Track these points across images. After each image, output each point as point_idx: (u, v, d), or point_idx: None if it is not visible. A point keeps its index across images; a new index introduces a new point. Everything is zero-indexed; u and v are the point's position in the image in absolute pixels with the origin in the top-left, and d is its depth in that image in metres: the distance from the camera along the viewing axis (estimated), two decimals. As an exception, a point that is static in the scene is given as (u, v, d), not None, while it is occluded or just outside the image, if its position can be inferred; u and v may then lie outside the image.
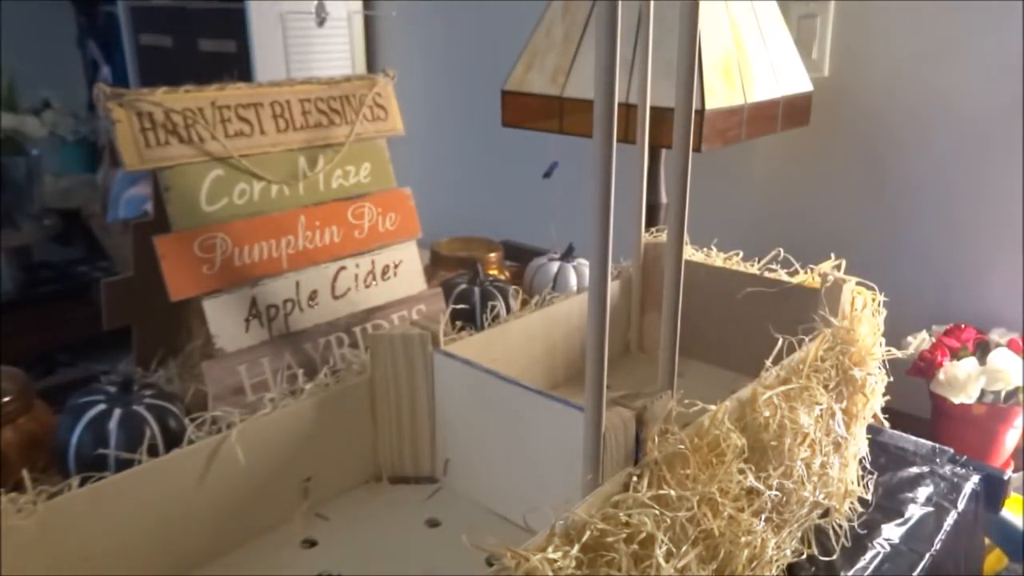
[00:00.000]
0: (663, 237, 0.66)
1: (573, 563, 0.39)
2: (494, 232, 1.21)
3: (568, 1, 1.11)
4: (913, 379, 1.54)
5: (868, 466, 0.71)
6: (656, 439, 0.48)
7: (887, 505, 0.70)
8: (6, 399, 0.61)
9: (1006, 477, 0.76)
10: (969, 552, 0.75)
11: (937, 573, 0.65)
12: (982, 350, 1.53)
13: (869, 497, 0.68)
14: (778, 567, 0.56)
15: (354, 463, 0.66)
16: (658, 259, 0.85)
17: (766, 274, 0.79)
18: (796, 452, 0.56)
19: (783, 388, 0.56)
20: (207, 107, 0.65)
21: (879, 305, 0.70)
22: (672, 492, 0.45)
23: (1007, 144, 1.37)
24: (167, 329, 0.72)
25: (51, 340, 1.87)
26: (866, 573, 0.62)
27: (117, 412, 0.57)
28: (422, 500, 0.65)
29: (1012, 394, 1.49)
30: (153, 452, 0.55)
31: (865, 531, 0.66)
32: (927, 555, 0.65)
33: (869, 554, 0.64)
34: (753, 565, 0.50)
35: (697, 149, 0.99)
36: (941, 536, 0.67)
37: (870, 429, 0.73)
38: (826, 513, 0.64)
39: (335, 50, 1.70)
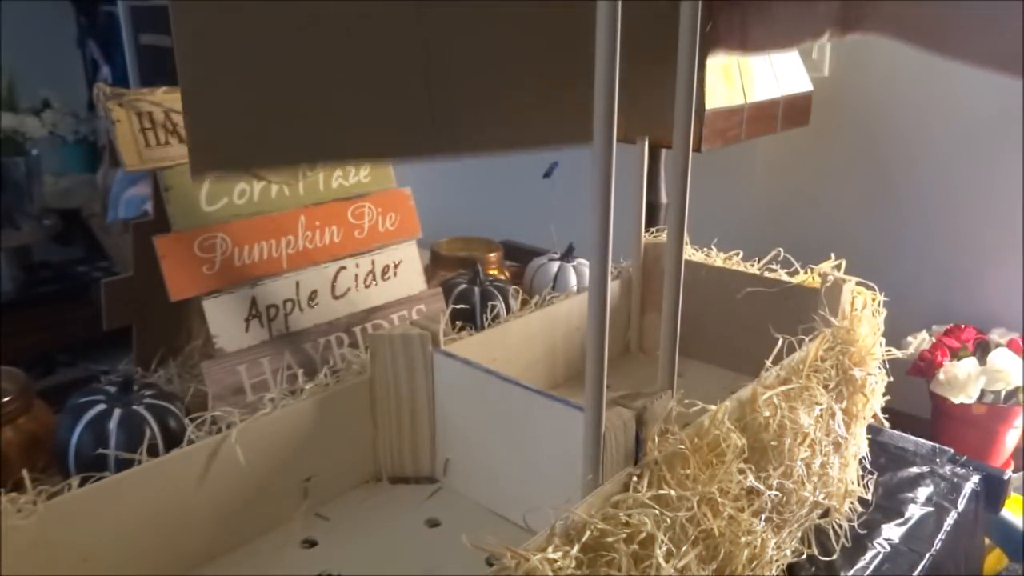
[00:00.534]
0: (663, 237, 0.65)
1: (573, 563, 0.39)
2: (494, 232, 1.21)
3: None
4: (913, 379, 1.54)
5: (868, 466, 0.71)
6: (656, 439, 0.48)
7: (887, 505, 0.70)
8: (6, 399, 0.61)
9: (1006, 477, 0.76)
10: (969, 552, 0.75)
11: (937, 573, 0.65)
12: (982, 350, 1.54)
13: (869, 497, 0.68)
14: (778, 567, 0.56)
15: (354, 463, 0.66)
16: (658, 259, 0.85)
17: (766, 274, 0.79)
18: (796, 452, 0.56)
19: (783, 388, 0.56)
20: (207, 107, 0.65)
21: (879, 305, 0.70)
22: (672, 492, 0.45)
23: (1007, 144, 1.37)
24: (167, 329, 0.72)
25: (51, 340, 1.87)
26: (866, 573, 0.62)
27: (117, 412, 0.57)
28: (422, 500, 0.65)
29: (1012, 394, 1.49)
30: (153, 452, 0.55)
31: (865, 531, 0.66)
32: (927, 555, 0.65)
33: (869, 554, 0.64)
34: (753, 565, 0.50)
35: (697, 149, 0.99)
36: (941, 536, 0.67)
37: (870, 429, 0.73)
38: (826, 513, 0.64)
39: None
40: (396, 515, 0.64)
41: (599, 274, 0.41)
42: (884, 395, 0.69)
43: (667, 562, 0.41)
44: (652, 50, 0.54)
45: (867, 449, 0.71)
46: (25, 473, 0.49)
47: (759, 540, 0.50)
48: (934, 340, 1.56)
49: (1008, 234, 1.57)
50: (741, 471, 0.49)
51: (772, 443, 0.54)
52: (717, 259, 0.84)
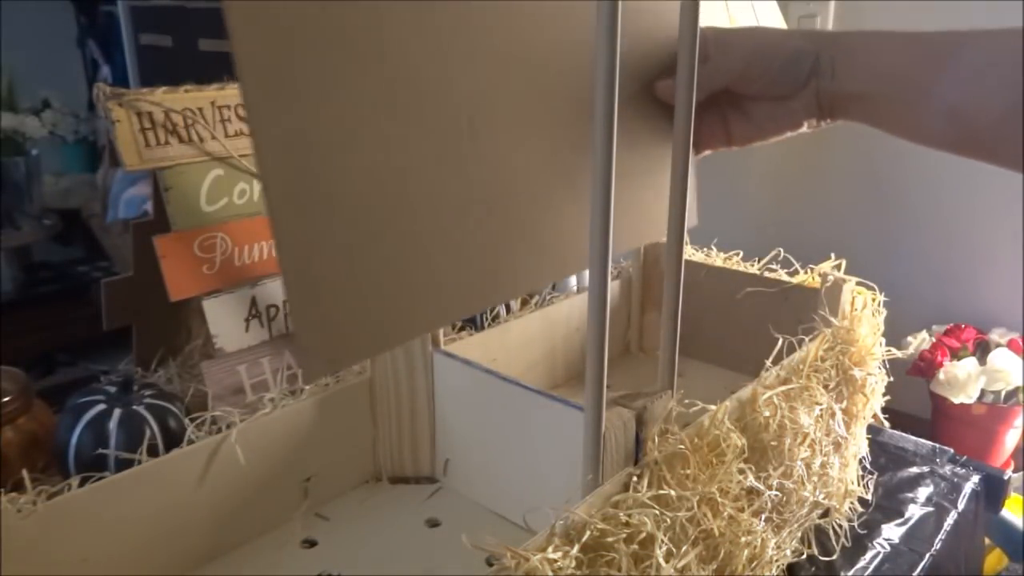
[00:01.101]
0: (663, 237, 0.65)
1: (573, 563, 0.39)
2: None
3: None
4: (913, 379, 1.54)
5: (868, 466, 0.71)
6: (656, 439, 0.48)
7: (887, 505, 0.70)
8: (6, 399, 0.61)
9: (1006, 477, 0.76)
10: (969, 552, 0.75)
11: (937, 573, 0.65)
12: (982, 350, 1.53)
13: (869, 497, 0.68)
14: (778, 567, 0.56)
15: (354, 463, 0.66)
16: (658, 259, 0.85)
17: (766, 274, 0.79)
18: (796, 452, 0.56)
19: (783, 388, 0.56)
20: (207, 107, 0.65)
21: (879, 305, 0.70)
22: (672, 492, 0.45)
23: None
24: (167, 329, 0.72)
25: (51, 340, 1.87)
26: (866, 573, 0.62)
27: (117, 412, 0.57)
28: (422, 500, 0.65)
29: (1012, 394, 1.49)
30: (153, 452, 0.55)
31: (865, 531, 0.66)
32: (927, 555, 0.65)
33: (869, 554, 0.64)
34: (753, 565, 0.50)
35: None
36: (941, 536, 0.67)
37: (870, 429, 0.73)
38: (826, 513, 0.64)
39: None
40: (396, 515, 0.64)
41: (599, 274, 0.41)
42: (884, 395, 0.69)
43: (667, 562, 0.41)
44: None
45: (867, 449, 0.71)
46: (25, 473, 0.49)
47: (759, 540, 0.50)
48: (934, 340, 1.56)
49: (1008, 234, 1.57)
50: (741, 471, 0.49)
51: (772, 443, 0.54)
52: (717, 259, 0.83)
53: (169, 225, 0.64)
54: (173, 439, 0.57)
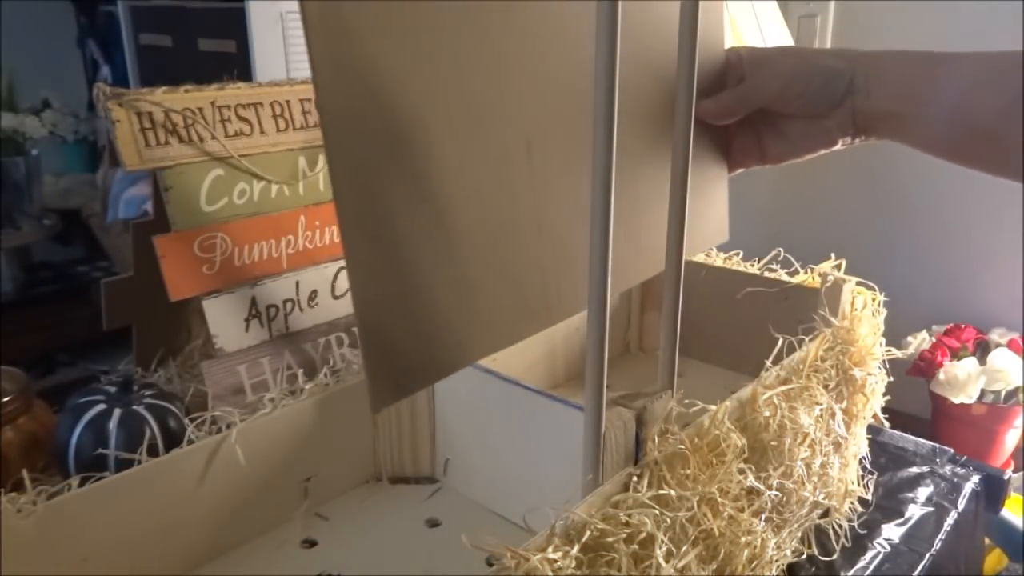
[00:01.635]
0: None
1: (573, 563, 0.39)
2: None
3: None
4: (913, 379, 1.54)
5: (868, 466, 0.71)
6: (656, 439, 0.48)
7: (887, 505, 0.70)
8: (6, 399, 0.61)
9: (1006, 477, 0.76)
10: (969, 552, 0.75)
11: (937, 573, 0.65)
12: (982, 350, 1.54)
13: (869, 497, 0.68)
14: (778, 567, 0.56)
15: (354, 463, 0.66)
16: (658, 259, 0.85)
17: (766, 274, 0.79)
18: (796, 452, 0.56)
19: (783, 388, 0.56)
20: (207, 107, 0.65)
21: (879, 305, 0.70)
22: (672, 492, 0.45)
23: (1007, 144, 1.37)
24: (167, 329, 0.72)
25: (51, 340, 1.87)
26: (866, 573, 0.62)
27: (117, 412, 0.57)
28: (422, 500, 0.65)
29: (1012, 394, 1.49)
30: (153, 452, 0.55)
31: (865, 531, 0.66)
32: (927, 555, 0.65)
33: (869, 554, 0.64)
34: (753, 565, 0.50)
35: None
36: (941, 536, 0.67)
37: (870, 429, 0.73)
38: (826, 513, 0.64)
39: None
40: (396, 515, 0.64)
41: (599, 274, 0.41)
42: (884, 395, 0.69)
43: (667, 562, 0.41)
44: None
45: (867, 449, 0.71)
46: (25, 473, 0.49)
47: (759, 540, 0.50)
48: (934, 340, 1.56)
49: (1007, 234, 1.57)
50: (741, 471, 0.49)
51: (772, 443, 0.54)
52: (717, 259, 0.84)
53: (169, 225, 0.64)
54: (173, 439, 0.57)
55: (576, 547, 0.39)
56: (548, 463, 0.58)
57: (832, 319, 0.66)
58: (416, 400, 0.66)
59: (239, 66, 1.40)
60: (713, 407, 0.51)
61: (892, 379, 0.69)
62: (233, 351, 0.66)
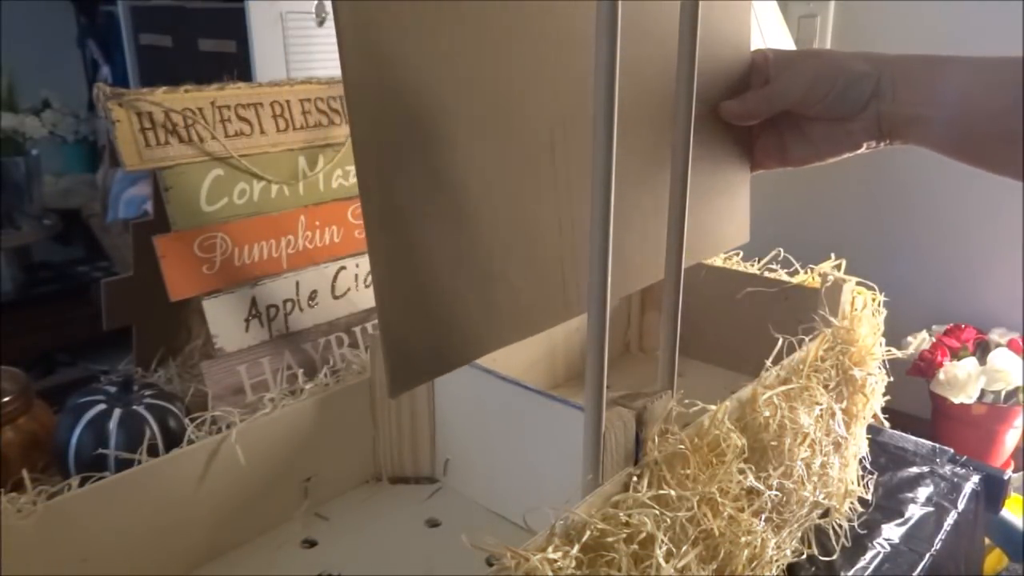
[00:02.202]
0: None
1: (573, 563, 0.39)
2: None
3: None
4: (913, 379, 1.54)
5: (868, 466, 0.71)
6: (656, 439, 0.48)
7: (887, 505, 0.70)
8: (6, 399, 0.61)
9: (1006, 477, 0.76)
10: (969, 552, 0.75)
11: (937, 573, 0.65)
12: (982, 350, 1.54)
13: (869, 497, 0.68)
14: (778, 567, 0.56)
15: (354, 463, 0.66)
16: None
17: (766, 274, 0.79)
18: (796, 452, 0.56)
19: (783, 388, 0.56)
20: (207, 107, 0.65)
21: (879, 305, 0.70)
22: (672, 492, 0.45)
23: (1007, 144, 1.37)
24: (167, 329, 0.72)
25: (51, 340, 1.87)
26: (866, 573, 0.62)
27: (117, 412, 0.57)
28: (422, 500, 0.65)
29: (1012, 394, 1.49)
30: (153, 452, 0.55)
31: (865, 531, 0.66)
32: (927, 555, 0.65)
33: (869, 554, 0.64)
34: (753, 565, 0.50)
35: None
36: (941, 536, 0.67)
37: (870, 429, 0.73)
38: (826, 513, 0.64)
39: (335, 50, 1.69)
40: (396, 515, 0.64)
41: (599, 274, 0.41)
42: (884, 395, 0.69)
43: (667, 562, 0.41)
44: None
45: (867, 449, 0.71)
46: (25, 473, 0.49)
47: (759, 540, 0.50)
48: (934, 340, 1.56)
49: (1008, 234, 1.57)
50: (741, 471, 0.49)
51: (772, 443, 0.54)
52: (717, 259, 0.83)
53: (169, 225, 0.64)
54: (173, 439, 0.57)
55: (576, 547, 0.39)
56: (548, 463, 0.58)
57: (832, 319, 0.66)
58: (416, 400, 0.66)
59: (239, 66, 1.40)
60: (713, 407, 0.51)
61: (892, 379, 0.69)
62: (233, 351, 0.66)
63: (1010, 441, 1.55)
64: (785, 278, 0.77)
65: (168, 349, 0.73)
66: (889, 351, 0.68)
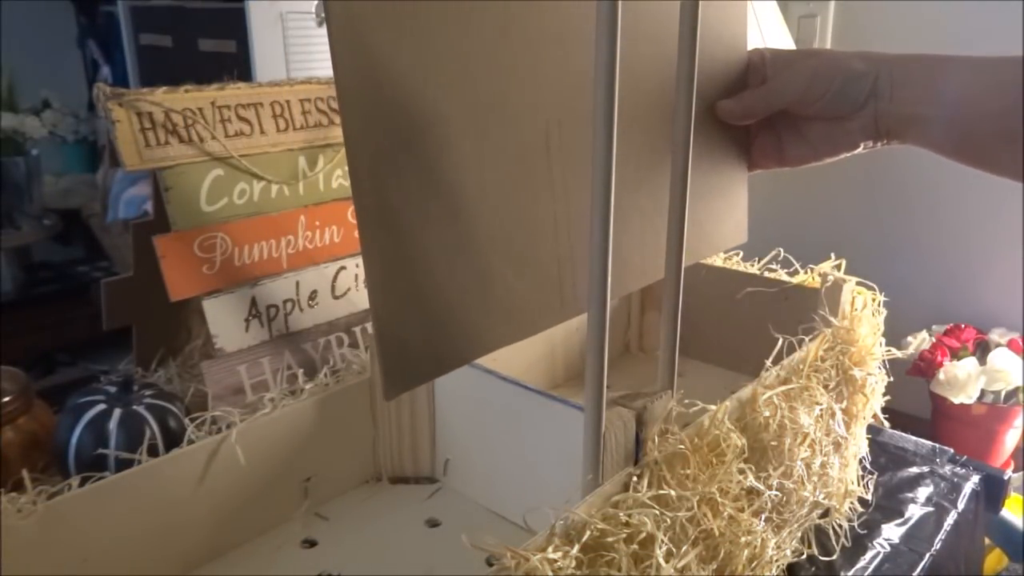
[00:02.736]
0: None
1: (573, 563, 0.39)
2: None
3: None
4: (913, 379, 1.54)
5: (868, 466, 0.71)
6: (656, 439, 0.48)
7: (887, 505, 0.70)
8: (6, 399, 0.61)
9: (1006, 477, 0.76)
10: (969, 552, 0.75)
11: (937, 573, 0.65)
12: (982, 350, 1.54)
13: (869, 497, 0.68)
14: (778, 567, 0.56)
15: (354, 463, 0.66)
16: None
17: (766, 274, 0.79)
18: (796, 452, 0.56)
19: (783, 388, 0.56)
20: (207, 107, 0.65)
21: (879, 305, 0.70)
22: (672, 492, 0.45)
23: (1007, 144, 1.37)
24: (167, 329, 0.72)
25: (51, 340, 1.87)
26: (866, 573, 0.62)
27: (117, 412, 0.57)
28: (422, 500, 0.65)
29: (1012, 394, 1.49)
30: (153, 452, 0.55)
31: (865, 531, 0.66)
32: (927, 555, 0.65)
33: (869, 554, 0.64)
34: (753, 565, 0.50)
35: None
36: (941, 536, 0.67)
37: (870, 429, 0.73)
38: (826, 513, 0.64)
39: (335, 50, 1.68)
40: (396, 515, 0.64)
41: (599, 274, 0.41)
42: (884, 395, 0.69)
43: (667, 562, 0.41)
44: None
45: (867, 449, 0.71)
46: (25, 473, 0.49)
47: (759, 540, 0.50)
48: (934, 340, 1.56)
49: (1008, 234, 1.57)
50: (741, 471, 0.49)
51: (772, 443, 0.54)
52: (717, 259, 0.83)
53: (169, 225, 0.64)
54: (173, 439, 0.57)
55: (576, 547, 0.39)
56: (548, 463, 0.58)
57: (832, 319, 0.66)
58: (416, 400, 0.66)
59: (239, 66, 1.40)
60: (713, 407, 0.51)
61: (892, 379, 0.69)
62: (233, 351, 0.66)
63: (1010, 441, 1.55)
64: (785, 278, 0.77)
65: (168, 349, 0.73)
66: (889, 351, 0.68)
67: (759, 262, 0.81)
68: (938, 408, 1.56)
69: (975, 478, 0.75)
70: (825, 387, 0.60)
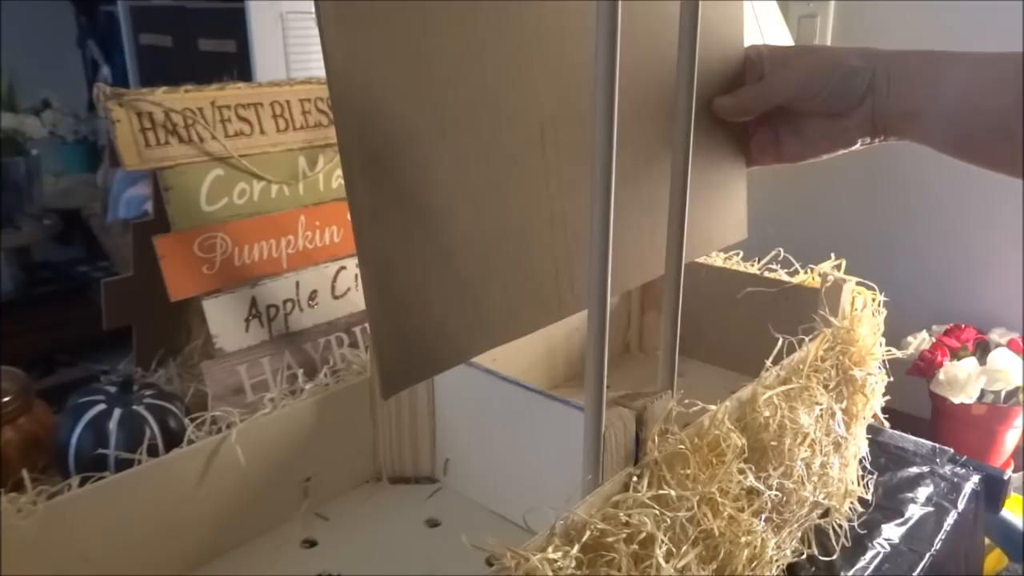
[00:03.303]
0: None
1: (573, 563, 0.39)
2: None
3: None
4: (913, 379, 1.54)
5: (868, 466, 0.71)
6: (656, 439, 0.48)
7: (887, 505, 0.70)
8: (6, 399, 0.61)
9: (1006, 477, 0.76)
10: (969, 552, 0.74)
11: (937, 573, 0.65)
12: (982, 350, 1.54)
13: (869, 497, 0.68)
14: (778, 567, 0.56)
15: (354, 463, 0.66)
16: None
17: (766, 274, 0.79)
18: (796, 452, 0.56)
19: (783, 388, 0.56)
20: (207, 107, 0.65)
21: (879, 305, 0.70)
22: (672, 492, 0.45)
23: (1007, 144, 1.37)
24: (167, 329, 0.72)
25: (51, 340, 1.87)
26: (866, 573, 0.62)
27: (117, 412, 0.57)
28: (422, 500, 0.65)
29: (1012, 394, 1.49)
30: (153, 452, 0.55)
31: (865, 531, 0.66)
32: (927, 555, 0.65)
33: (869, 554, 0.64)
34: (753, 565, 0.50)
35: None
36: (941, 536, 0.67)
37: (870, 429, 0.73)
38: (826, 513, 0.64)
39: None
40: (396, 515, 0.64)
41: (599, 274, 0.41)
42: (884, 395, 0.69)
43: (667, 562, 0.41)
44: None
45: (867, 449, 0.71)
46: (25, 473, 0.49)
47: (759, 540, 0.50)
48: (934, 340, 1.56)
49: (1008, 234, 1.57)
50: (741, 471, 0.49)
51: (772, 443, 0.54)
52: (717, 259, 0.83)
53: (169, 225, 0.64)
54: (173, 439, 0.57)
55: (576, 547, 0.39)
56: (548, 463, 0.58)
57: (832, 319, 0.66)
58: (416, 400, 0.66)
59: (239, 66, 1.40)
60: (713, 407, 0.51)
61: (892, 379, 0.69)
62: (233, 351, 0.66)
63: (1010, 441, 1.55)
64: (785, 278, 0.77)
65: (168, 349, 0.73)
66: (889, 351, 0.68)
67: (759, 262, 0.81)
68: (938, 408, 1.56)
69: (975, 478, 0.75)
70: (825, 387, 0.60)
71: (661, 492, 0.44)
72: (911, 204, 1.68)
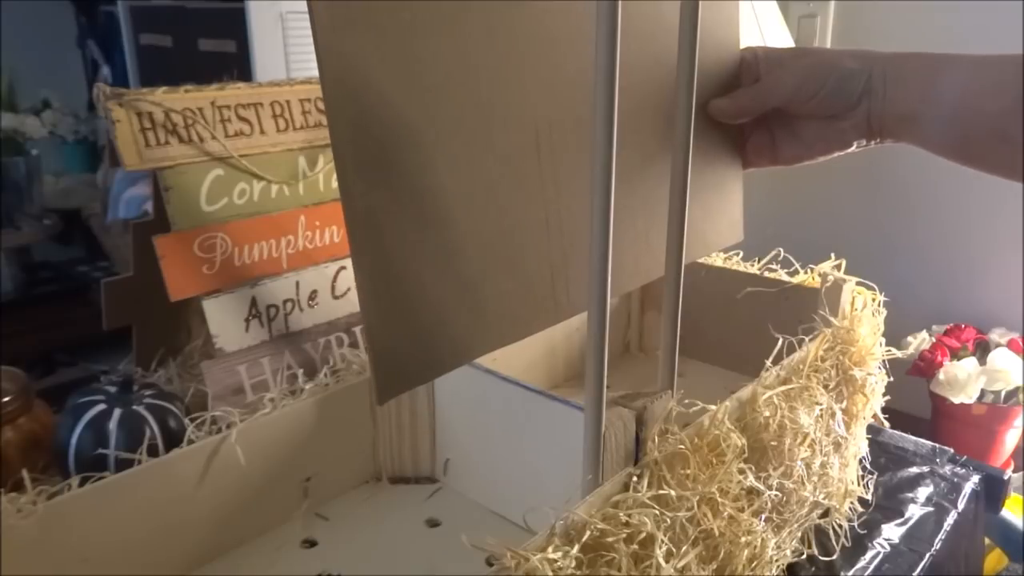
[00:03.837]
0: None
1: (573, 563, 0.39)
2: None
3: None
4: (913, 379, 1.54)
5: (868, 466, 0.71)
6: (656, 439, 0.48)
7: (887, 505, 0.70)
8: (6, 399, 0.61)
9: (1006, 477, 0.76)
10: (969, 552, 0.75)
11: (937, 573, 0.65)
12: (982, 350, 1.54)
13: (869, 497, 0.68)
14: (778, 567, 0.56)
15: (354, 463, 0.66)
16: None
17: (766, 274, 0.79)
18: (796, 452, 0.56)
19: (783, 388, 0.56)
20: (207, 107, 0.65)
21: (879, 305, 0.70)
22: (672, 492, 0.45)
23: (1007, 144, 1.37)
24: (167, 329, 0.72)
25: (51, 340, 1.87)
26: (866, 573, 0.62)
27: (117, 412, 0.57)
28: (422, 500, 0.65)
29: (1012, 394, 1.49)
30: (153, 452, 0.55)
31: (865, 531, 0.66)
32: (927, 555, 0.65)
33: (869, 554, 0.64)
34: (753, 565, 0.50)
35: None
36: (941, 536, 0.67)
37: (870, 429, 0.73)
38: (826, 513, 0.64)
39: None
40: (396, 515, 0.64)
41: (599, 274, 0.41)
42: (884, 395, 0.69)
43: (667, 562, 0.41)
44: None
45: (867, 449, 0.71)
46: (25, 473, 0.49)
47: (759, 540, 0.50)
48: (934, 340, 1.56)
49: (1008, 234, 1.57)
50: (741, 471, 0.49)
51: (772, 443, 0.54)
52: (717, 259, 0.83)
53: (169, 225, 0.64)
54: (173, 439, 0.57)
55: (576, 547, 0.39)
56: (548, 463, 0.58)
57: (832, 319, 0.66)
58: (416, 400, 0.66)
59: (239, 66, 1.40)
60: (713, 407, 0.51)
61: (892, 379, 0.69)
62: (233, 351, 0.66)
63: (1010, 441, 1.55)
64: (785, 278, 0.77)
65: (168, 349, 0.73)
66: (889, 351, 0.68)
67: (759, 262, 0.81)
68: (938, 408, 1.56)
69: (975, 478, 0.75)
70: (825, 387, 0.60)
71: (661, 492, 0.44)
72: (911, 204, 1.68)
